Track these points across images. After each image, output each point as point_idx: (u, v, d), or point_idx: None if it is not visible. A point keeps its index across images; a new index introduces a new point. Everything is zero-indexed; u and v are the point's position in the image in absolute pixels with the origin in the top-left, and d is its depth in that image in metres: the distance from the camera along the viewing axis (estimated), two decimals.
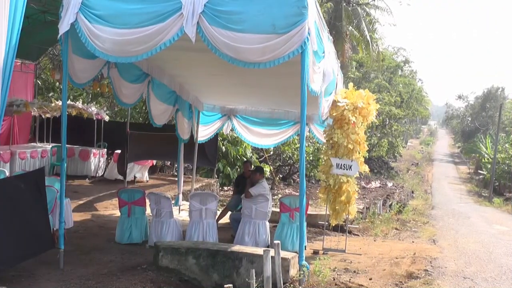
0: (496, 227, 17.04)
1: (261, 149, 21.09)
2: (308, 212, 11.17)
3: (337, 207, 9.37)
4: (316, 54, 6.83)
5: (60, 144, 8.92)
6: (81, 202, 12.72)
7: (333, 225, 10.04)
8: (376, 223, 13.99)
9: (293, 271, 6.86)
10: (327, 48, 7.58)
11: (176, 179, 14.23)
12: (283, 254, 6.72)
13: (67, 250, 7.33)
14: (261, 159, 22.26)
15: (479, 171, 46.80)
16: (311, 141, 22.29)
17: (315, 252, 9.29)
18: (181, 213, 12.19)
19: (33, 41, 14.93)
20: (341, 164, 9.07)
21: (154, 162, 17.56)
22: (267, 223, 9.30)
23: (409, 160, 59.65)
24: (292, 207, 9.35)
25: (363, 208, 15.47)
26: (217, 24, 6.28)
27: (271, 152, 24.06)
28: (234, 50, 6.33)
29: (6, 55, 6.19)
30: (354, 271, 8.00)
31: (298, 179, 22.55)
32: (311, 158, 23.52)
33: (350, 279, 7.44)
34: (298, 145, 21.20)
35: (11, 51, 6.25)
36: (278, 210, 10.06)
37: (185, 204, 12.30)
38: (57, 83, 19.99)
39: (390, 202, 21.56)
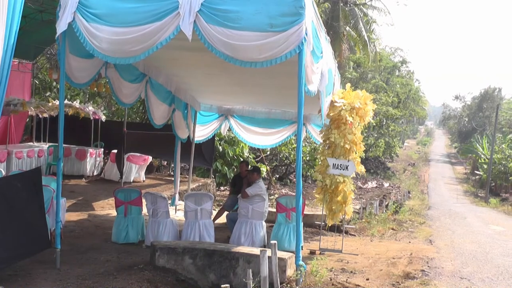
0: (493, 228, 17.10)
1: (258, 149, 21.09)
2: (305, 212, 11.14)
3: (333, 207, 9.38)
4: (314, 54, 6.84)
5: (57, 144, 8.88)
6: (77, 201, 12.70)
7: (330, 225, 10.06)
8: (373, 223, 14.01)
9: (290, 271, 6.87)
10: (324, 48, 7.58)
11: (173, 179, 14.22)
12: (280, 254, 6.71)
13: (64, 250, 7.32)
14: (258, 159, 22.25)
15: (476, 171, 46.92)
16: (308, 141, 22.31)
17: (312, 252, 9.29)
18: (178, 213, 12.17)
19: (31, 41, 14.90)
20: (338, 164, 9.07)
21: (150, 160, 17.50)
22: (264, 223, 9.29)
23: (405, 160, 59.81)
24: (289, 207, 9.35)
25: (360, 208, 15.45)
26: (214, 22, 6.28)
27: (268, 152, 24.06)
28: (231, 48, 6.33)
29: (4, 55, 6.18)
30: (351, 271, 8.01)
31: (294, 179, 22.51)
32: (307, 158, 23.53)
33: (347, 279, 7.44)
34: (295, 145, 21.20)
35: (9, 51, 6.24)
36: (274, 210, 10.07)
37: (181, 204, 12.26)
38: (54, 83, 19.94)
39: (386, 202, 21.56)
